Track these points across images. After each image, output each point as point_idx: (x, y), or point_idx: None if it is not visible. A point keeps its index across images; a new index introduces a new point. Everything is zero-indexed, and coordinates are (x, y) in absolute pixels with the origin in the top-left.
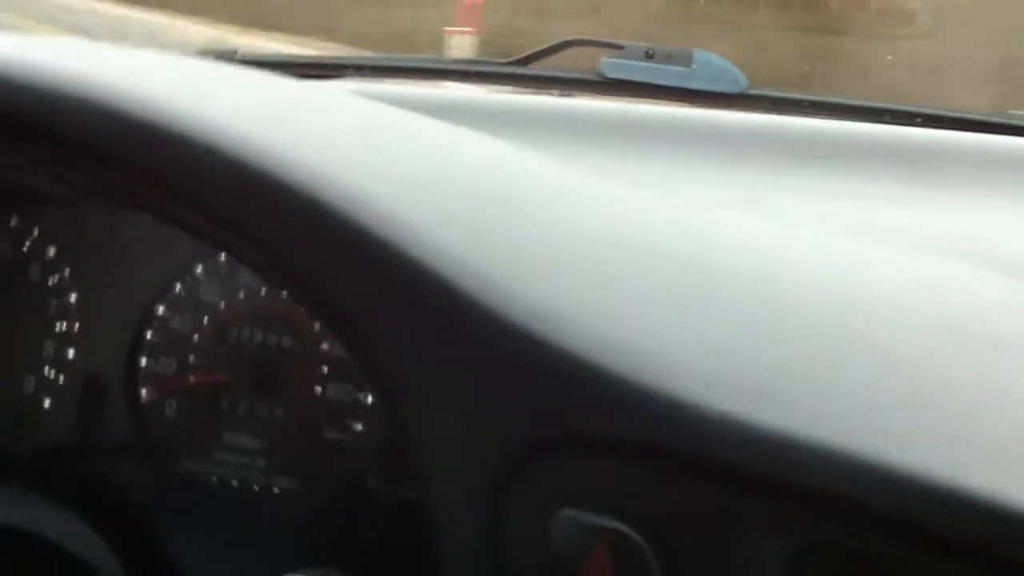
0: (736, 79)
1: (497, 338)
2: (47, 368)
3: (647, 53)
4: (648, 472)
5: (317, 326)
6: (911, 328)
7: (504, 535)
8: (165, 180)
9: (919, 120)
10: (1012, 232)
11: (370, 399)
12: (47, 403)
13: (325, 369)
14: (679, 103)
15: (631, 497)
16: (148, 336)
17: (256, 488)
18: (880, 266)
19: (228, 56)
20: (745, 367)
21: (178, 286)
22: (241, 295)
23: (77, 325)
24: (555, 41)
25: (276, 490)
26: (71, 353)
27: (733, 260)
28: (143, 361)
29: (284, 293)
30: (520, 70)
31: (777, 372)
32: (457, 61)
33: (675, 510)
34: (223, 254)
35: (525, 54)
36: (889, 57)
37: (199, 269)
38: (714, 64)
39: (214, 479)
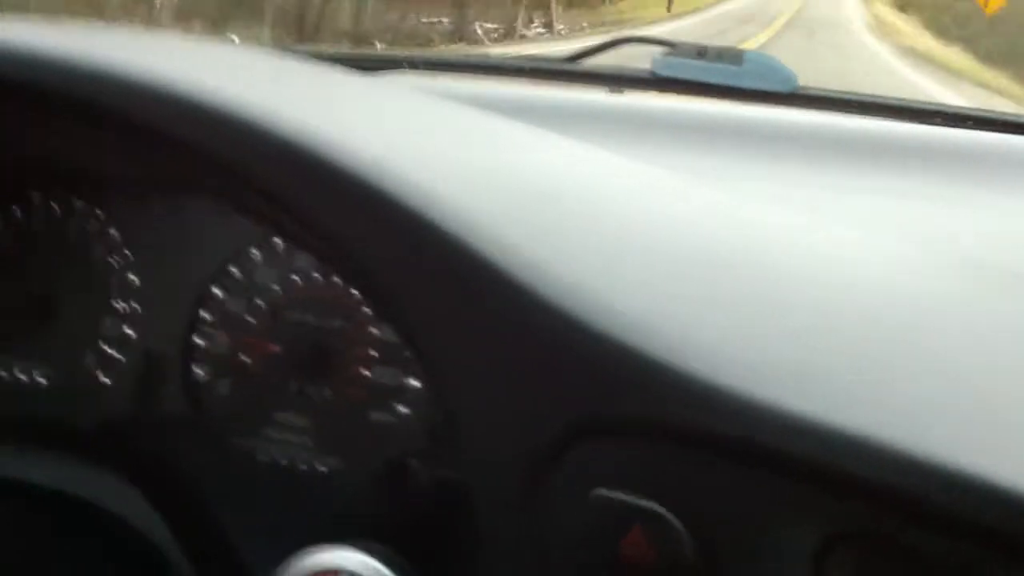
0: (786, 78)
1: (546, 324)
2: (107, 345)
3: (698, 51)
4: (686, 456)
5: (367, 310)
6: (959, 331)
7: (545, 515)
8: (235, 166)
9: (970, 123)
10: None
11: (416, 383)
12: (106, 379)
13: (373, 353)
14: (729, 101)
15: (668, 480)
16: (203, 316)
17: (303, 466)
18: (926, 267)
19: (290, 50)
20: (787, 358)
21: (233, 269)
22: (294, 278)
23: (136, 304)
24: (607, 39)
25: (322, 469)
26: (130, 331)
27: (781, 258)
28: (198, 340)
29: (335, 278)
30: (572, 67)
31: (820, 364)
32: (509, 57)
33: (711, 493)
34: (278, 239)
35: (577, 51)
36: None
37: (254, 253)
38: (764, 63)
39: (263, 456)
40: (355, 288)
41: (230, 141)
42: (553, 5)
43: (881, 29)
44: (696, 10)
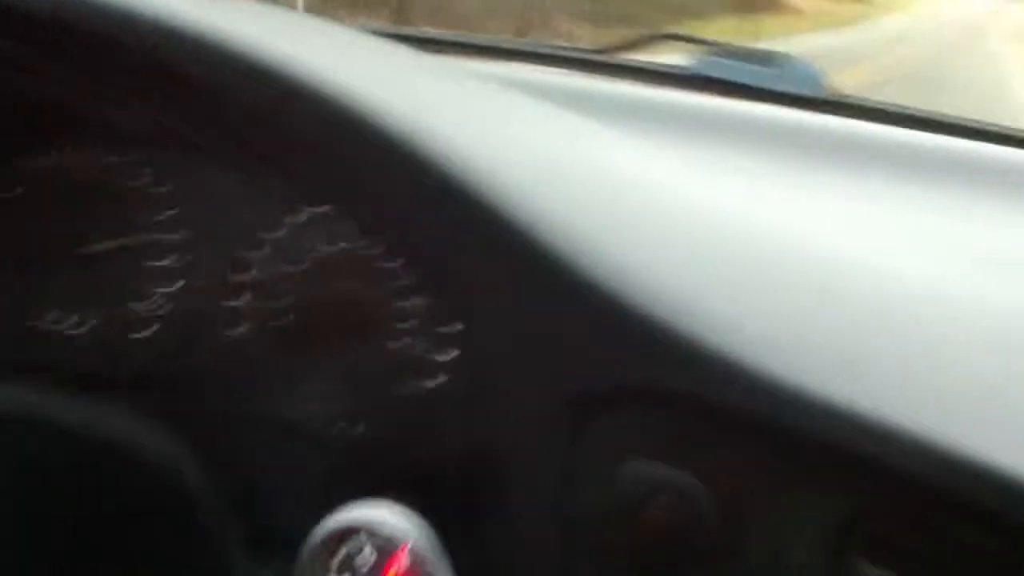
0: (818, 83)
1: (589, 300)
2: (148, 299)
3: (735, 52)
4: (714, 430)
5: (402, 282)
6: (981, 328)
7: (573, 482)
8: (286, 128)
9: (1002, 139)
10: None
11: (443, 357)
12: (146, 331)
13: (406, 325)
14: (762, 103)
15: (696, 451)
16: (239, 279)
17: (329, 431)
18: (951, 270)
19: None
20: (817, 341)
21: (270, 234)
22: (327, 247)
23: (174, 262)
24: (645, 33)
25: (349, 435)
26: (170, 287)
27: (814, 249)
28: (231, 301)
29: (371, 248)
30: (606, 59)
31: (848, 349)
32: (548, 46)
33: (737, 466)
34: (315, 206)
35: (615, 44)
36: None
37: (290, 219)
38: (799, 68)
39: (290, 419)
40: (398, 257)
41: (283, 102)
42: None
43: None
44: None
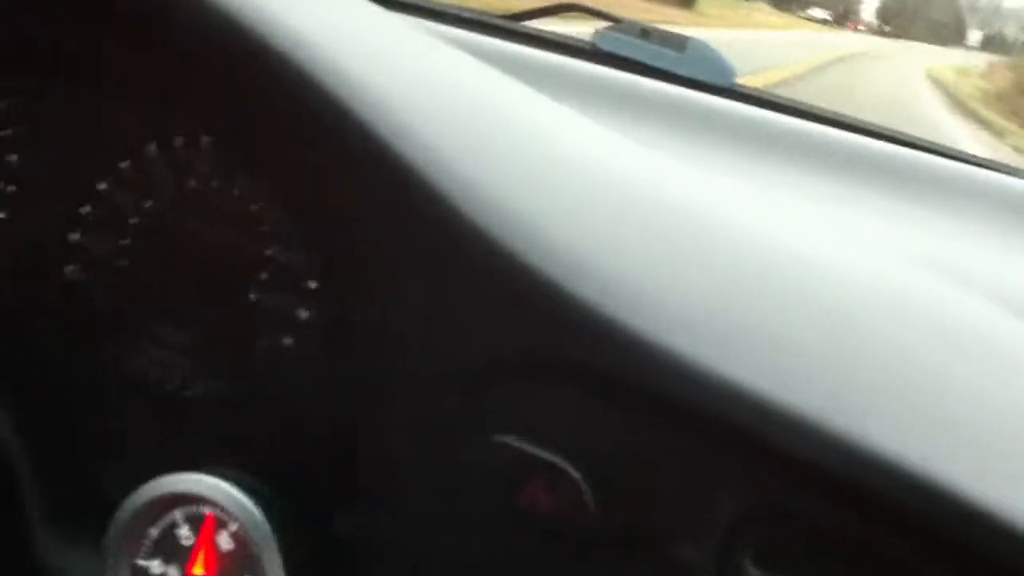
0: (726, 72)
1: (468, 249)
2: None
3: (643, 31)
4: (595, 408)
5: (265, 229)
6: (891, 316)
7: (444, 456)
8: (170, 45)
9: (882, 136)
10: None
11: (310, 314)
12: None
13: (266, 275)
14: (670, 84)
15: (574, 432)
16: (86, 212)
17: (174, 387)
18: (851, 253)
19: None
20: (726, 319)
21: (125, 164)
22: (192, 183)
23: (13, 186)
24: (554, 3)
25: (196, 392)
26: (1, 214)
27: (727, 221)
28: (76, 236)
29: (236, 189)
30: (515, 25)
31: (752, 328)
32: (455, 7)
33: (618, 449)
34: (180, 137)
35: (521, 11)
36: None
37: (152, 149)
38: (707, 54)
39: (133, 370)
40: (271, 201)
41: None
42: None
43: None
44: None
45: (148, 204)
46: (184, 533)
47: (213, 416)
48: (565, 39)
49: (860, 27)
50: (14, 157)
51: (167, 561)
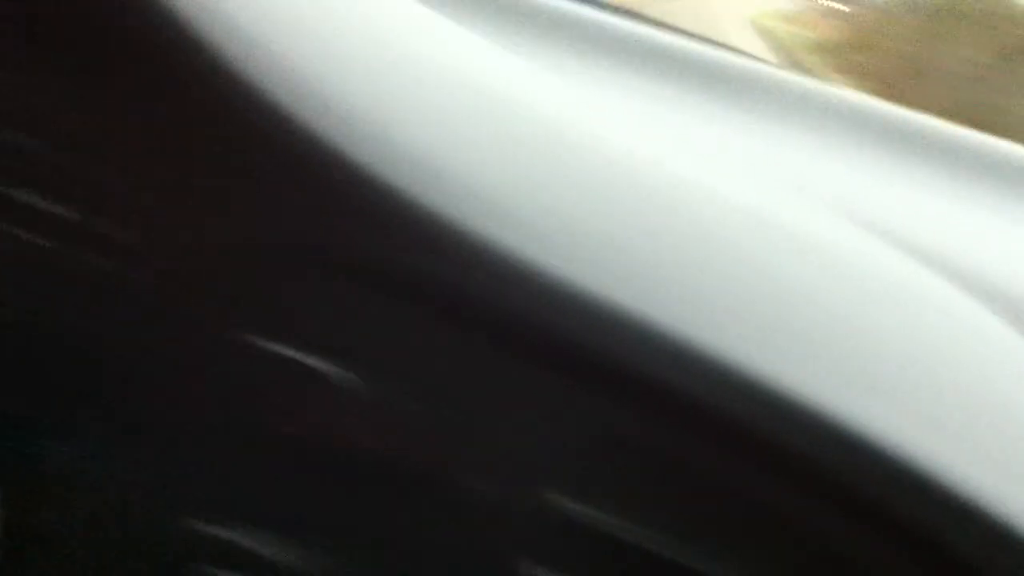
0: None
1: (276, 132)
2: None
3: None
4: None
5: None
6: (752, 233)
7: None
8: None
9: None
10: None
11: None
12: None
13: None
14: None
15: (349, 332)
16: None
17: None
18: (725, 177)
19: None
20: (573, 226)
21: None
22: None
23: None
24: None
25: None
26: None
27: (582, 135)
28: None
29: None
30: None
31: (593, 233)
32: None
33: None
34: None
35: None
36: None
37: None
38: None
39: None
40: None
41: None
42: None
43: None
44: None
45: None
46: None
47: None
48: None
49: None
50: None
51: None
